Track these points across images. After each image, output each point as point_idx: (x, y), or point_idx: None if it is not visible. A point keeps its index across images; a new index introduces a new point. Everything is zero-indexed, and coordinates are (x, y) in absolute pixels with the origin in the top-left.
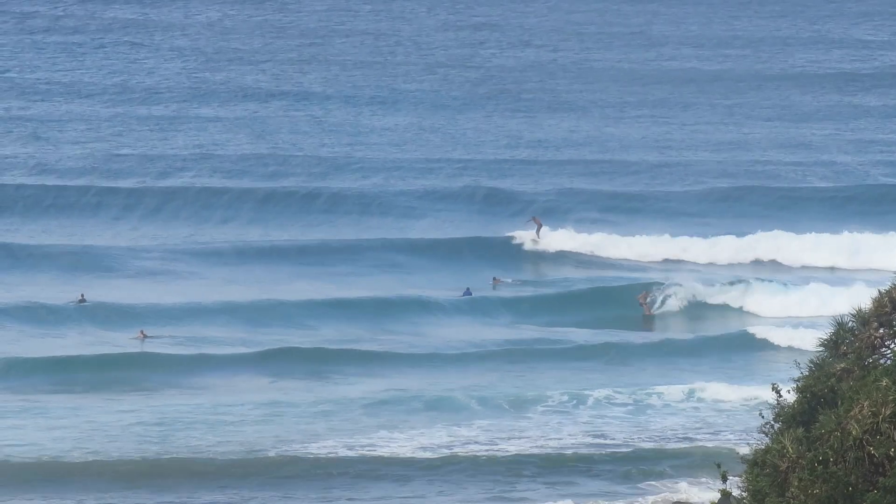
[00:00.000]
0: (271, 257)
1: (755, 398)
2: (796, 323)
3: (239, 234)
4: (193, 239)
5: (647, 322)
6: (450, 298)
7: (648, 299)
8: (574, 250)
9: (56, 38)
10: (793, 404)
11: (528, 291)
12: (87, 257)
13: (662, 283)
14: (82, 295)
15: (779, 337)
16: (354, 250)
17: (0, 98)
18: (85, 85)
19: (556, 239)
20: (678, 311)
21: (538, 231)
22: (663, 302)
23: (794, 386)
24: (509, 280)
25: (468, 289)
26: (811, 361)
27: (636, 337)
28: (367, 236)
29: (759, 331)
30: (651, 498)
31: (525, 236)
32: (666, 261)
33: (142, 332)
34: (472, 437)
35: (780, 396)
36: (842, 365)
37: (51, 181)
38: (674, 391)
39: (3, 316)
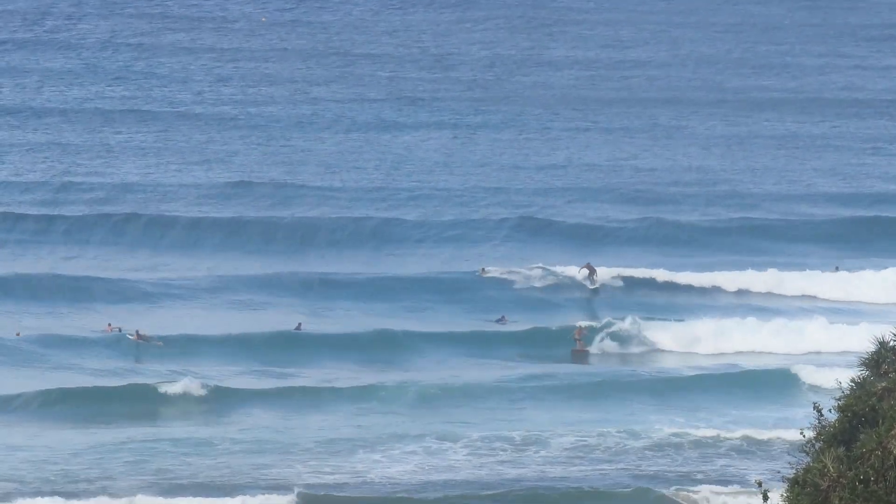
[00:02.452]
0: (296, 289)
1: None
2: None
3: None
4: (222, 270)
5: (576, 357)
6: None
7: (582, 336)
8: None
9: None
10: (834, 423)
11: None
12: (114, 288)
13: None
14: (109, 325)
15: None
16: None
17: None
18: (79, 108)
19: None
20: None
21: (591, 276)
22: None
23: (836, 405)
24: (496, 271)
25: (503, 316)
26: (852, 380)
27: (630, 374)
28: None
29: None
30: None
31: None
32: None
33: (137, 332)
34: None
35: (821, 415)
36: (883, 384)
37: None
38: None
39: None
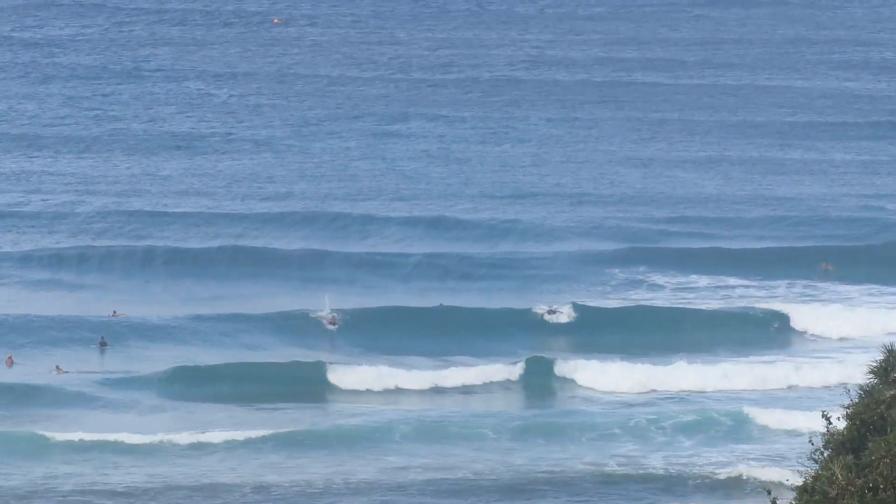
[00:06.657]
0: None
1: None
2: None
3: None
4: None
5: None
6: None
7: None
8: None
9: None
10: (842, 431)
11: None
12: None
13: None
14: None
15: None
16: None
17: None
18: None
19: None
20: None
21: None
22: None
23: (844, 413)
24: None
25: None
26: (861, 388)
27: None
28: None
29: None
30: None
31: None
32: None
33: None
34: None
35: (830, 423)
36: (892, 392)
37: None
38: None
39: None
